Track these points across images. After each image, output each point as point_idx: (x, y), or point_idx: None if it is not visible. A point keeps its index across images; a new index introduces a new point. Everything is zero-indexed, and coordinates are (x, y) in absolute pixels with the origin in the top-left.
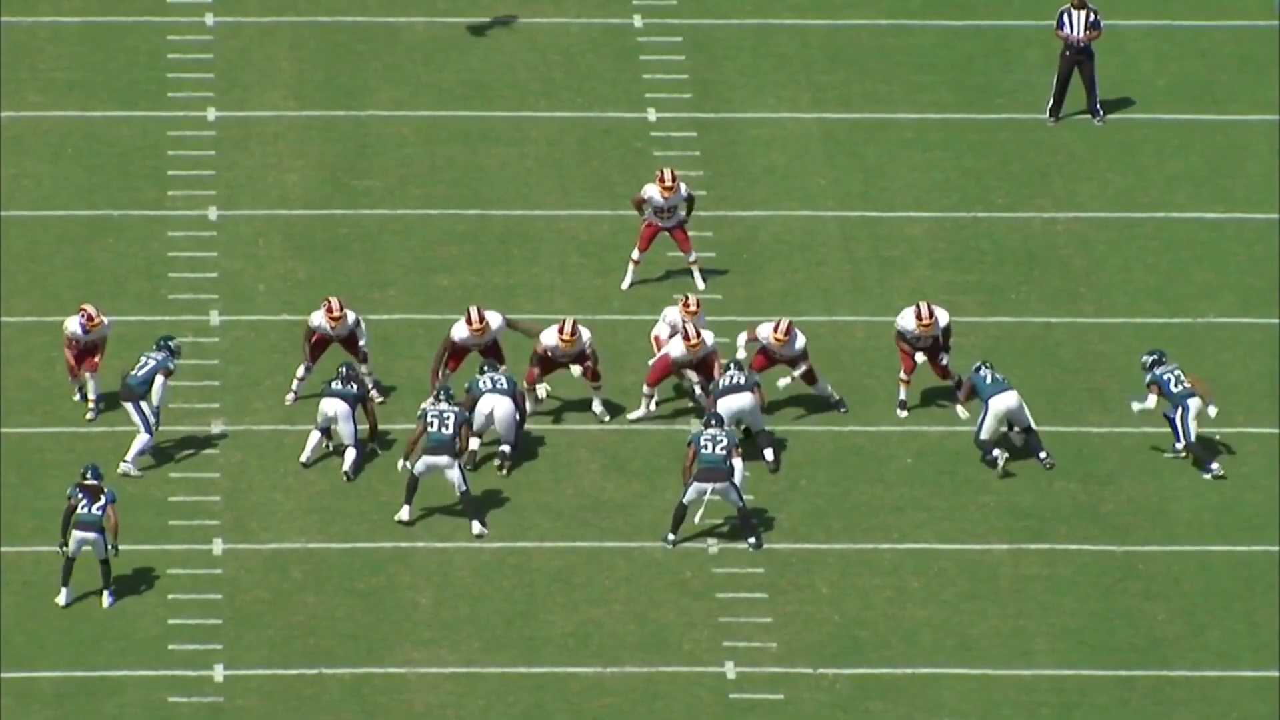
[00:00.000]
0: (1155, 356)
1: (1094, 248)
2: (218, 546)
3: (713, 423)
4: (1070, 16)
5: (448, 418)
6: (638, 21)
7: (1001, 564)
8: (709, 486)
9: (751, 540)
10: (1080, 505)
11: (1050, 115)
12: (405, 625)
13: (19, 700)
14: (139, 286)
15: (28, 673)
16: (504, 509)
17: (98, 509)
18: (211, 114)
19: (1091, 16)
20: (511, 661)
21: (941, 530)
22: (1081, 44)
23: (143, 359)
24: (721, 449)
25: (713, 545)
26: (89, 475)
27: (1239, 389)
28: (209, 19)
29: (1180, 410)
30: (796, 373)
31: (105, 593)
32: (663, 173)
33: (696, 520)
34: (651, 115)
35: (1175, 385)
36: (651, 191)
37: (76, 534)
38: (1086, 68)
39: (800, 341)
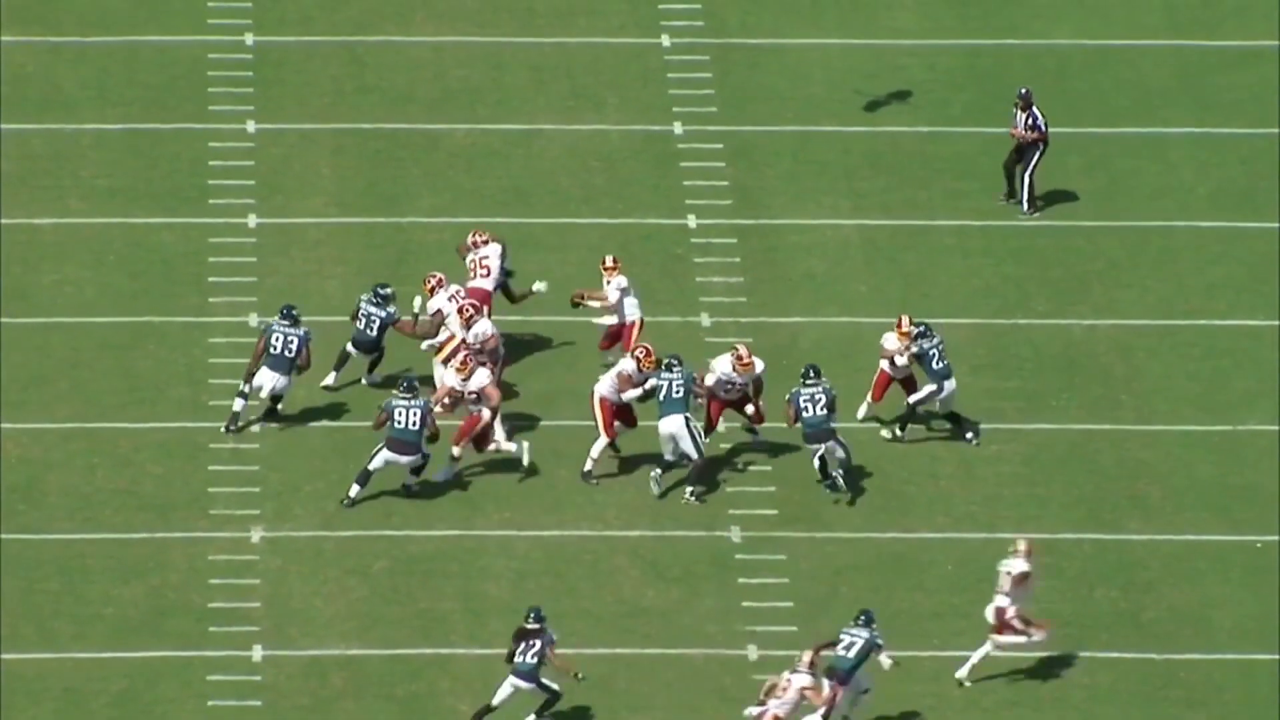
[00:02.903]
0: (923, 329)
1: (1134, 355)
2: (257, 653)
3: (811, 375)
4: (1016, 115)
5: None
6: (678, 128)
7: (1042, 672)
8: (820, 448)
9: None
10: (1121, 613)
11: (1011, 201)
12: None
13: None
14: (180, 392)
15: None
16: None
17: (533, 655)
18: (253, 220)
19: (1031, 120)
20: None
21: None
22: (1023, 143)
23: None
24: (822, 408)
25: (753, 652)
26: (531, 617)
27: None
28: (250, 126)
29: (935, 389)
30: (748, 409)
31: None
32: (903, 320)
33: (816, 466)
34: (692, 222)
35: (937, 362)
36: (891, 343)
37: (512, 679)
38: (1025, 157)
39: (760, 366)
